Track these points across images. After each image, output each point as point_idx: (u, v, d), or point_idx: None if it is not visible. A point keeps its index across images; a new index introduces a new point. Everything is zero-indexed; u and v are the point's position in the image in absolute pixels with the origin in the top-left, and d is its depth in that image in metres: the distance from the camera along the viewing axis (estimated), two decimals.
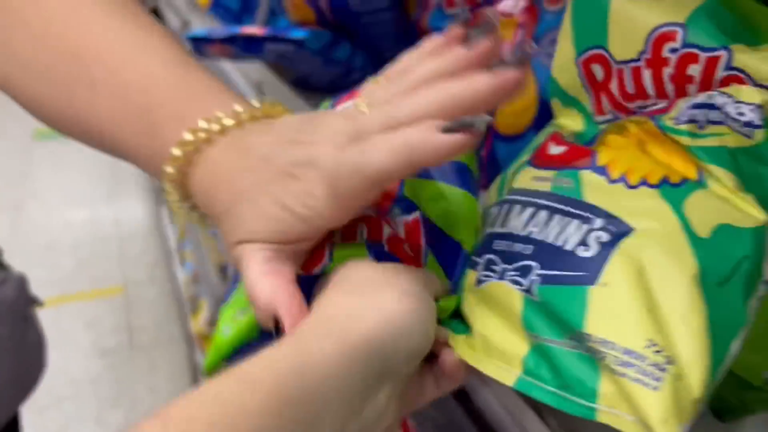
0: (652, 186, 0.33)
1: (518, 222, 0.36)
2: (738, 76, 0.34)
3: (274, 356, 0.28)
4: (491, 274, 0.35)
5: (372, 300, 0.32)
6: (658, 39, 0.36)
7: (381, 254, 0.37)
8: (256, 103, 0.38)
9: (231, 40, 0.74)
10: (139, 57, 0.38)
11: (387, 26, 0.77)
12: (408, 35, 0.77)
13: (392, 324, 0.31)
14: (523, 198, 0.37)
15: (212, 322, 1.91)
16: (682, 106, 0.36)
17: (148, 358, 2.28)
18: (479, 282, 0.36)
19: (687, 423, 0.29)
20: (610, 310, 0.30)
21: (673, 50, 0.36)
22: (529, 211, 0.35)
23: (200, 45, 0.76)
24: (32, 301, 0.75)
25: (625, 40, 0.38)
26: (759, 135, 0.33)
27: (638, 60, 0.38)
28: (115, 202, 3.13)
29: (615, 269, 0.31)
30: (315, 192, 0.34)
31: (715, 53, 0.34)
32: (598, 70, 0.40)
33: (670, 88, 0.38)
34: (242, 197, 0.35)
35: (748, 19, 0.35)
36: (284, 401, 0.26)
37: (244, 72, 0.96)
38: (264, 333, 0.38)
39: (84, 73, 0.38)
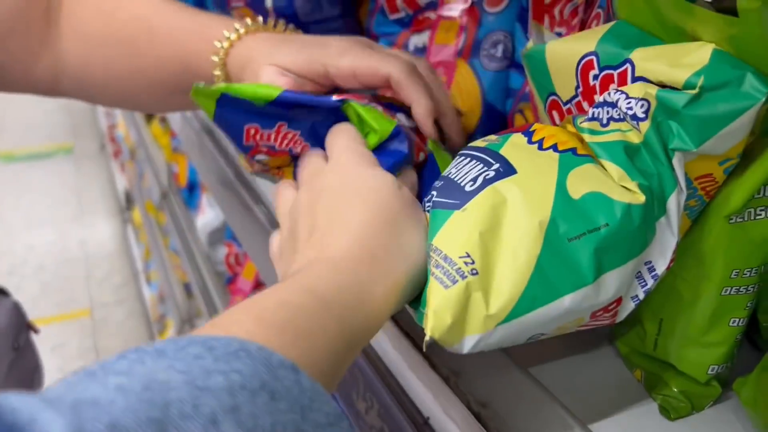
0: (557, 151, 0.36)
1: (450, 166, 0.40)
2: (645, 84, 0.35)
3: (340, 283, 0.33)
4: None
5: (404, 242, 0.36)
6: (583, 70, 0.38)
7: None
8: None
9: None
10: (180, 6, 0.55)
11: (338, 35, 0.76)
12: None
13: (417, 269, 0.36)
14: (464, 151, 0.40)
15: None
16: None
17: None
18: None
19: (473, 335, 0.33)
20: (455, 228, 0.34)
21: (595, 77, 0.38)
22: (461, 158, 0.39)
23: None
24: (28, 328, 0.72)
25: (563, 81, 0.40)
26: (644, 127, 0.34)
27: (577, 96, 0.40)
28: (81, 224, 3.08)
29: (479, 199, 0.35)
30: (343, 53, 0.46)
31: (623, 68, 0.36)
32: (556, 116, 0.42)
33: None
34: (275, 50, 0.48)
35: (660, 21, 0.36)
36: (348, 328, 0.32)
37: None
38: (269, 112, 0.43)
39: (144, 27, 0.54)
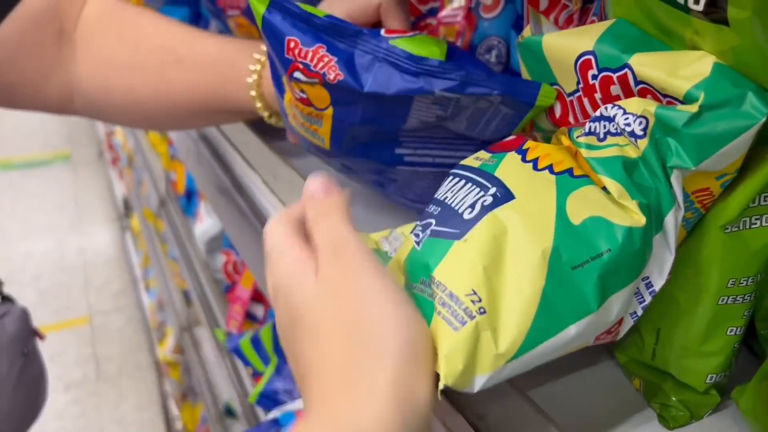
0: (553, 173, 0.35)
1: (443, 189, 0.39)
2: (648, 89, 0.35)
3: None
4: (417, 232, 0.39)
5: (371, 409, 0.29)
6: (582, 68, 0.38)
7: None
8: None
9: None
10: (203, 34, 0.58)
11: None
12: None
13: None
14: (457, 171, 0.39)
15: (177, 349, 1.87)
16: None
17: (115, 389, 2.24)
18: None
19: (484, 374, 0.32)
20: (457, 261, 0.33)
21: (594, 76, 0.37)
22: (454, 180, 0.38)
23: None
24: (34, 334, 0.74)
25: (564, 74, 0.40)
26: (642, 144, 0.34)
27: (578, 91, 0.39)
28: (79, 232, 3.08)
29: (480, 228, 0.34)
30: (333, 2, 0.51)
31: (622, 72, 0.36)
32: (557, 108, 0.42)
33: None
34: None
35: (659, 28, 0.35)
36: None
37: None
38: (312, 30, 0.45)
39: (172, 56, 0.57)
